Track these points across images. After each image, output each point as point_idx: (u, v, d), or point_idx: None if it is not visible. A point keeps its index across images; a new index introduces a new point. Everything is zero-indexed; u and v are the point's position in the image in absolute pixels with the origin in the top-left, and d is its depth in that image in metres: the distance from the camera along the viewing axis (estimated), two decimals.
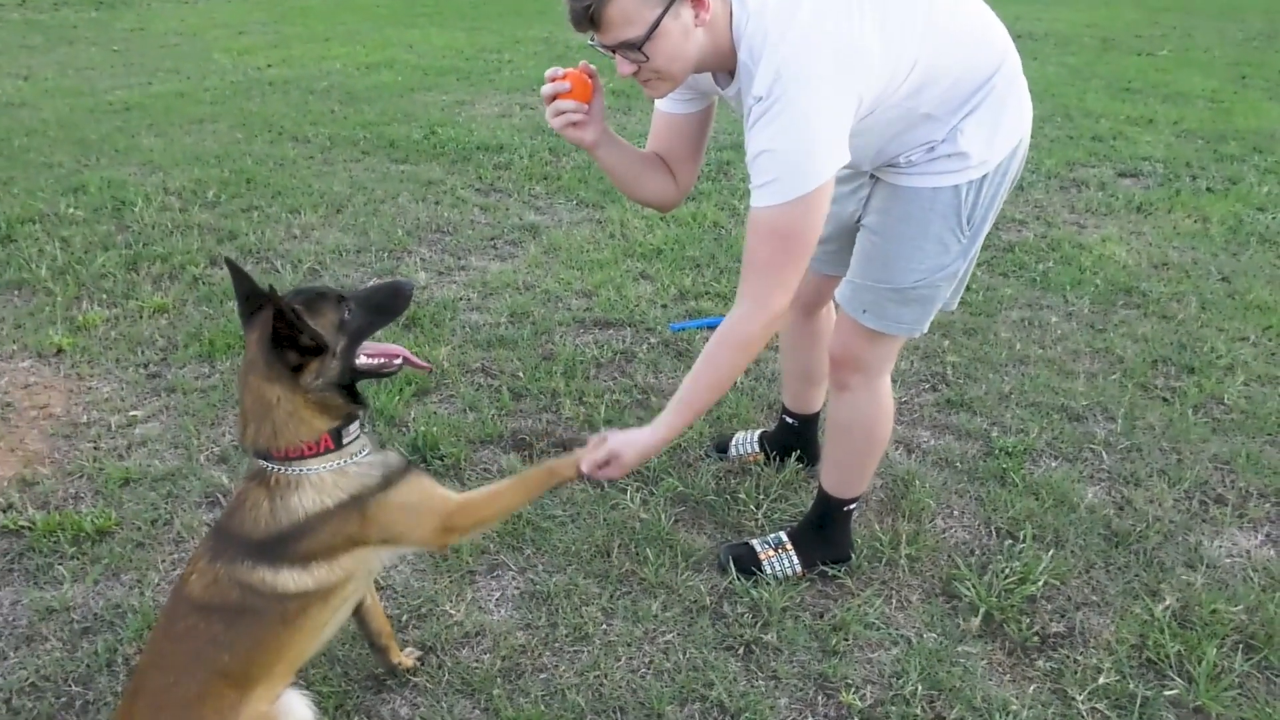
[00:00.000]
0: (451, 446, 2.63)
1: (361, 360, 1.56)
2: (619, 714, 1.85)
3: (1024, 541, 2.29)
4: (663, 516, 2.37)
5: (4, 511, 2.40)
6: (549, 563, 2.24)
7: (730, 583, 2.17)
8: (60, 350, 3.20)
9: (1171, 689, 1.90)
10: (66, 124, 6.21)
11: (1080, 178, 5.19)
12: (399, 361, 1.62)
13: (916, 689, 1.89)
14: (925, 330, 1.94)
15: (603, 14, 1.50)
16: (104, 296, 3.60)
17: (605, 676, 1.93)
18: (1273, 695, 1.90)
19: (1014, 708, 1.85)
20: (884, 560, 2.24)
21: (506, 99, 7.08)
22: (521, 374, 3.05)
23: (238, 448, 2.64)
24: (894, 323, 1.89)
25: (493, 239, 4.29)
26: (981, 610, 2.08)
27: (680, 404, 1.74)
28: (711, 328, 3.26)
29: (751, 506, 2.43)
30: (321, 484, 1.50)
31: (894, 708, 1.86)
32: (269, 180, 5.00)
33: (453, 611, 2.09)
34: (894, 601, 2.14)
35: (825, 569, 2.20)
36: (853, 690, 1.90)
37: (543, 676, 1.94)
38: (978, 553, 2.29)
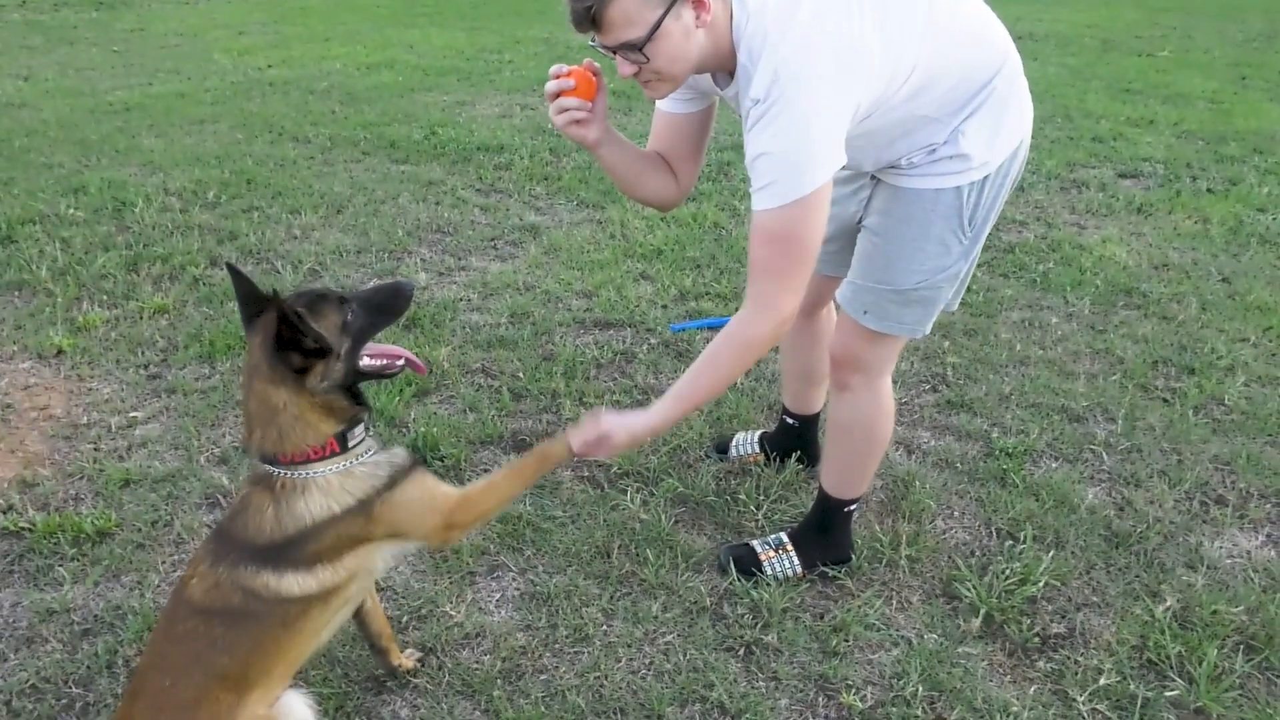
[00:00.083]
0: (452, 447, 2.63)
1: (365, 361, 1.56)
2: (619, 715, 1.85)
3: (1024, 542, 2.29)
4: (663, 517, 2.37)
5: (4, 513, 2.40)
6: (549, 564, 2.24)
7: (730, 584, 2.17)
8: (60, 351, 3.20)
9: (1172, 690, 1.90)
10: (67, 124, 6.21)
11: (1081, 179, 5.19)
12: (401, 363, 1.62)
13: (917, 690, 1.89)
14: (927, 331, 1.94)
15: (604, 15, 1.50)
16: (104, 297, 3.60)
17: (605, 677, 1.93)
18: (1273, 696, 1.90)
19: (1015, 709, 1.85)
20: (884, 561, 2.24)
21: (507, 99, 7.08)
22: (522, 374, 3.05)
23: (238, 449, 2.64)
24: (895, 324, 1.89)
25: (493, 239, 4.29)
26: (982, 611, 2.08)
27: (678, 396, 1.73)
28: (712, 328, 3.26)
29: (752, 507, 2.43)
30: (329, 487, 1.50)
31: (894, 709, 1.86)
32: (269, 181, 5.00)
33: (453, 613, 2.09)
34: (894, 602, 2.14)
35: (826, 570, 2.20)
36: (853, 691, 1.90)
37: (543, 678, 1.94)
38: (978, 554, 2.29)
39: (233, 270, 1.53)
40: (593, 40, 1.58)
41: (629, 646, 2.01)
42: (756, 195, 1.59)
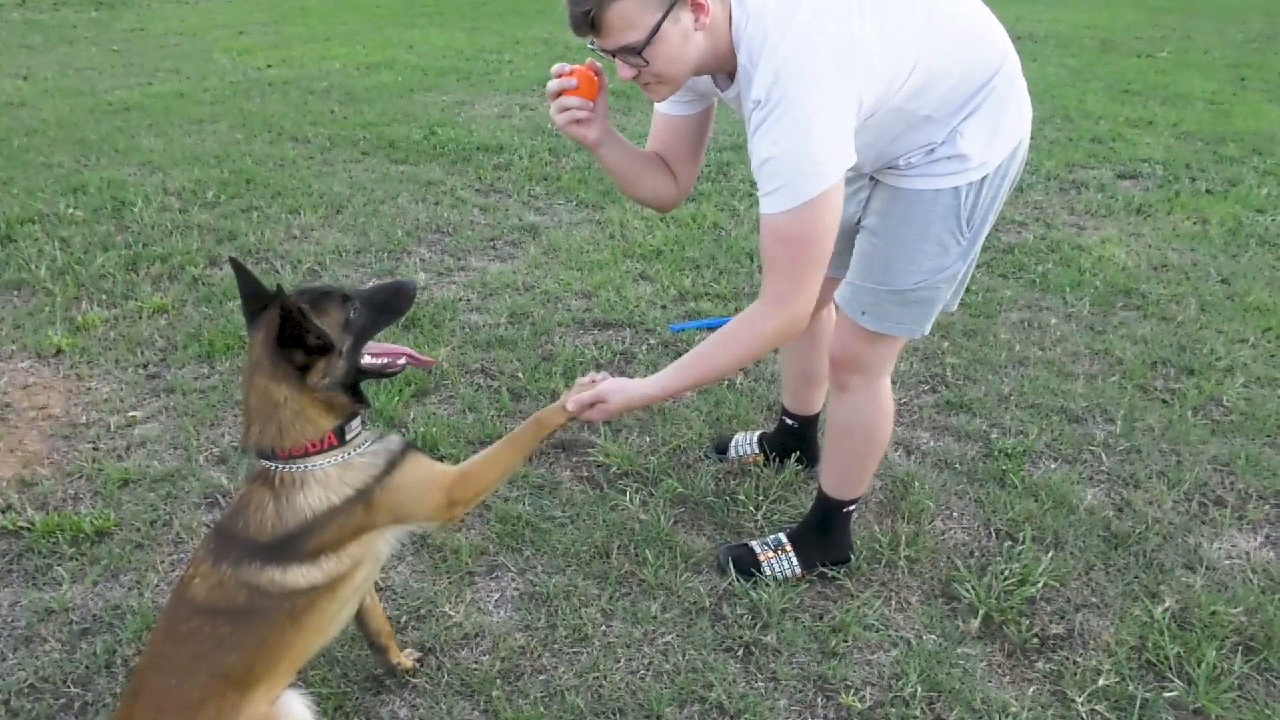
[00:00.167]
0: (451, 447, 2.63)
1: (366, 360, 1.57)
2: (618, 715, 1.85)
3: (1023, 543, 2.29)
4: (662, 518, 2.37)
5: (3, 512, 2.39)
6: (548, 564, 2.24)
7: (730, 584, 2.17)
8: (59, 351, 3.20)
9: (1171, 691, 1.90)
10: (66, 124, 6.21)
11: (1080, 179, 5.20)
12: (403, 361, 1.63)
13: (916, 690, 1.89)
14: (926, 332, 1.94)
15: (603, 19, 1.50)
16: (103, 297, 3.59)
17: (604, 678, 1.93)
18: (1272, 697, 1.90)
19: (1014, 709, 1.85)
20: (883, 562, 2.24)
21: (506, 99, 7.08)
22: (521, 375, 3.05)
23: (237, 448, 2.64)
24: (894, 324, 1.89)
25: (492, 240, 4.29)
26: (981, 612, 2.08)
27: (679, 370, 1.74)
28: (712, 329, 3.26)
29: (751, 508, 2.43)
30: (327, 479, 1.50)
31: (893, 709, 1.86)
32: (269, 181, 5.00)
33: (452, 613, 2.09)
34: (893, 603, 2.14)
35: (825, 570, 2.20)
36: (852, 692, 1.90)
37: (542, 678, 1.94)
38: (977, 554, 2.29)
39: (236, 266, 1.53)
40: (592, 44, 1.58)
41: (628, 647, 2.01)
42: (765, 199, 1.58)
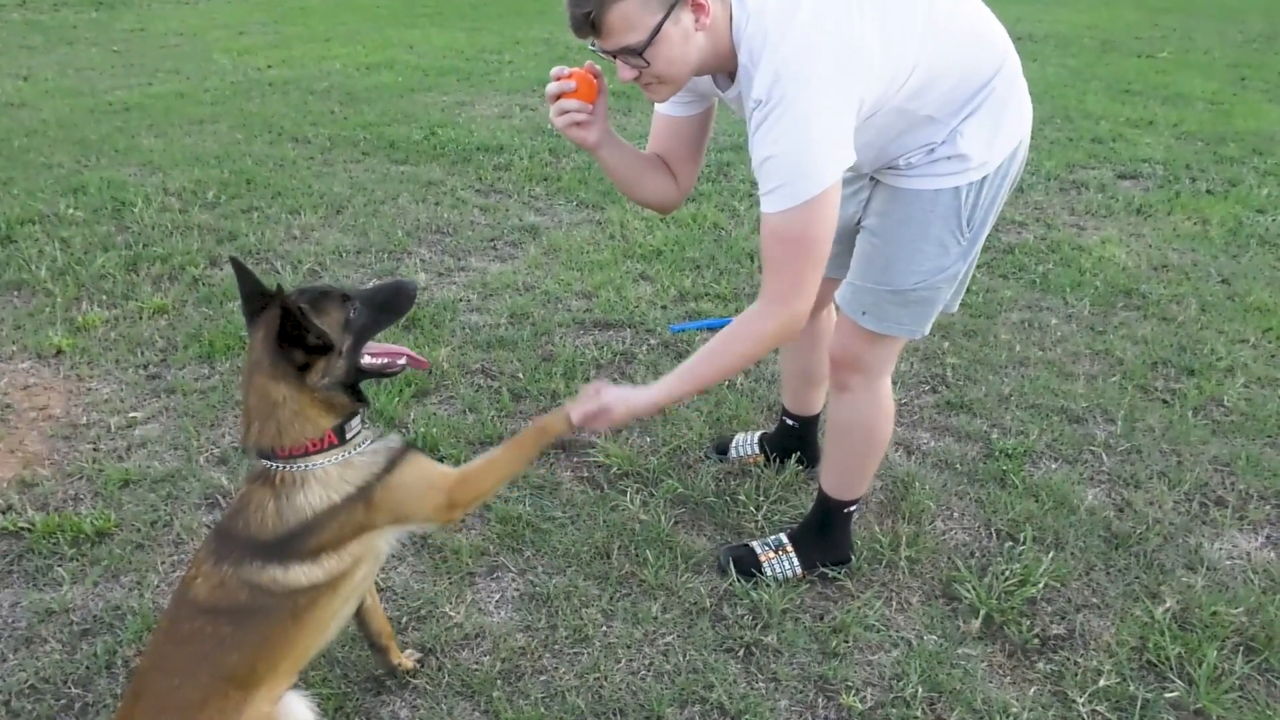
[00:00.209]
0: (451, 448, 2.63)
1: (366, 360, 1.57)
2: (619, 716, 1.85)
3: (1024, 543, 2.29)
4: (663, 518, 2.37)
5: (3, 513, 2.39)
6: (549, 564, 2.24)
7: (730, 585, 2.17)
8: (60, 351, 3.20)
9: (1172, 691, 1.90)
10: (66, 124, 6.21)
11: (1080, 179, 5.20)
12: (403, 362, 1.63)
13: (917, 691, 1.89)
14: (926, 332, 1.94)
15: (603, 20, 1.50)
16: (104, 297, 3.59)
17: (605, 678, 1.93)
18: (1273, 698, 1.90)
19: (1014, 710, 1.85)
20: (884, 562, 2.24)
21: (507, 100, 7.08)
22: (521, 375, 3.05)
23: (238, 449, 2.64)
24: (894, 324, 1.89)
25: (493, 240, 4.29)
26: (982, 612, 2.08)
27: (681, 376, 1.74)
28: (712, 329, 3.26)
29: (751, 508, 2.43)
30: (327, 479, 1.51)
31: (894, 710, 1.86)
32: (269, 181, 5.00)
33: (452, 613, 2.09)
34: (894, 603, 2.14)
35: (825, 571, 2.20)
36: (853, 692, 1.90)
37: (542, 678, 1.94)
38: (978, 555, 2.29)
39: (237, 266, 1.53)
40: (593, 45, 1.58)
41: (628, 647, 2.01)
42: (765, 198, 1.59)
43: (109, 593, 2.15)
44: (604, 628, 2.06)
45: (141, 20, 11.63)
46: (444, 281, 3.84)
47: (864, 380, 1.99)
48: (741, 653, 2.01)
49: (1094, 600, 2.15)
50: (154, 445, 2.69)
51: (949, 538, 2.35)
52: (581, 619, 2.07)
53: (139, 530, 2.33)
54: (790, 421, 2.53)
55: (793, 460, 2.55)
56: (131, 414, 2.85)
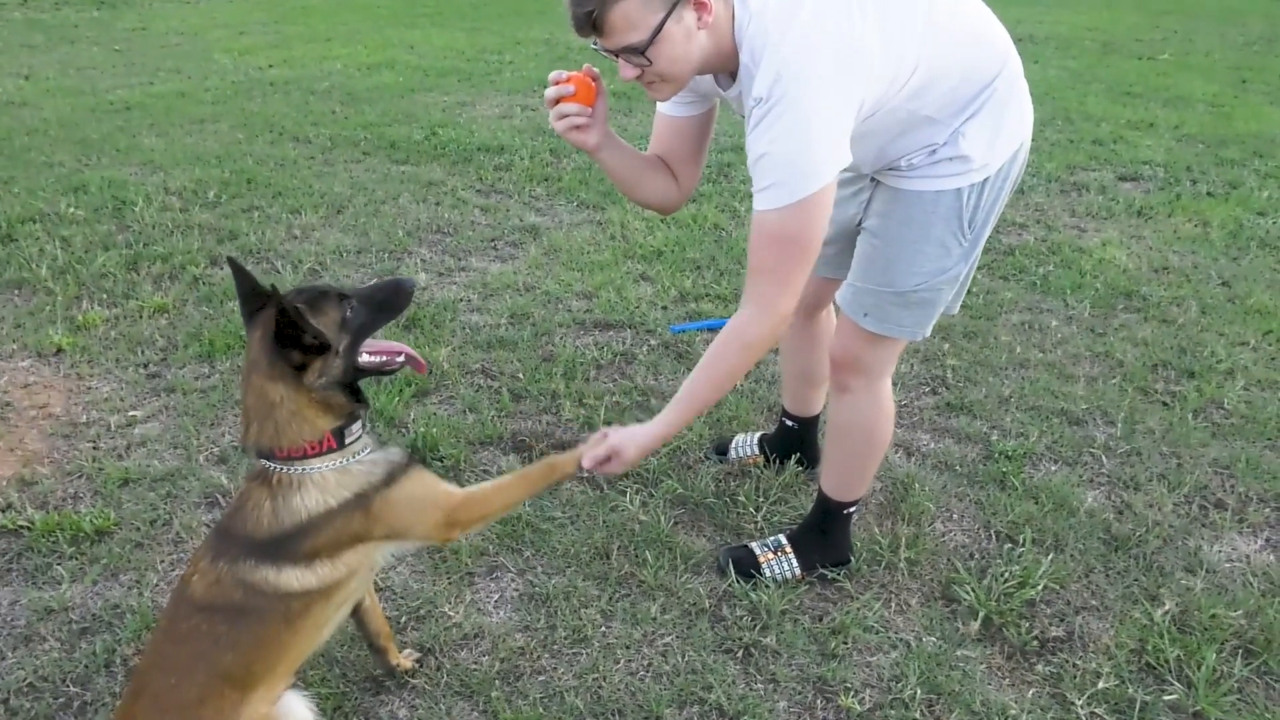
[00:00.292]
0: (451, 448, 2.63)
1: (364, 358, 1.56)
2: (618, 716, 1.85)
3: (1023, 545, 2.29)
4: (662, 519, 2.37)
5: (3, 511, 2.39)
6: (548, 565, 2.24)
7: (729, 585, 2.17)
8: (60, 350, 3.20)
9: (1171, 694, 1.89)
10: (67, 123, 6.22)
11: (1081, 181, 5.20)
12: (401, 359, 1.62)
13: (915, 693, 1.89)
14: (927, 334, 1.94)
15: (605, 19, 1.50)
16: (104, 296, 3.60)
17: (604, 679, 1.93)
18: (1272, 700, 1.90)
19: (1013, 712, 1.85)
20: (883, 564, 2.24)
21: (507, 100, 7.09)
22: (521, 375, 3.05)
23: (237, 448, 2.64)
24: (895, 326, 1.89)
25: (493, 240, 4.29)
26: (981, 614, 2.08)
27: (681, 402, 1.74)
28: (712, 330, 3.26)
29: (751, 509, 2.43)
30: (325, 483, 1.50)
31: (893, 711, 1.86)
32: (270, 180, 5.00)
33: (451, 613, 2.09)
34: (893, 605, 2.14)
35: (824, 572, 2.20)
36: (851, 694, 1.90)
37: (541, 679, 1.94)
38: (977, 556, 2.29)
39: (234, 265, 1.53)
40: (594, 44, 1.58)
41: (627, 648, 2.01)
42: (759, 196, 1.59)
43: (108, 591, 2.15)
44: (603, 628, 2.06)
45: (143, 19, 11.64)
46: (444, 281, 3.84)
47: (864, 381, 1.99)
48: (740, 654, 2.01)
49: (1093, 602, 2.15)
50: (154, 444, 2.69)
51: (948, 539, 2.35)
52: (580, 619, 2.07)
53: (138, 529, 2.33)
54: (790, 422, 2.53)
55: (792, 461, 2.55)
56: (131, 413, 2.85)
